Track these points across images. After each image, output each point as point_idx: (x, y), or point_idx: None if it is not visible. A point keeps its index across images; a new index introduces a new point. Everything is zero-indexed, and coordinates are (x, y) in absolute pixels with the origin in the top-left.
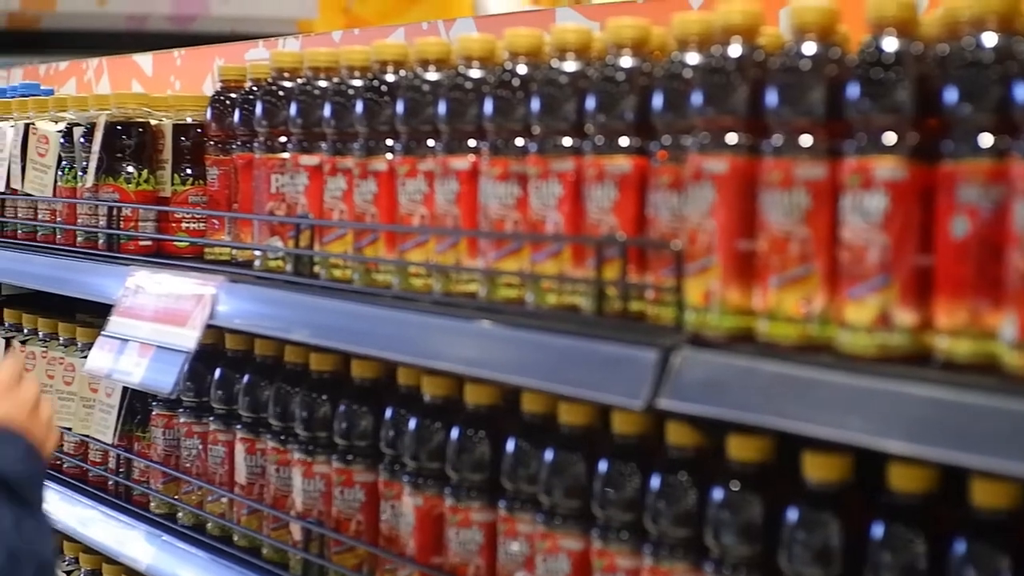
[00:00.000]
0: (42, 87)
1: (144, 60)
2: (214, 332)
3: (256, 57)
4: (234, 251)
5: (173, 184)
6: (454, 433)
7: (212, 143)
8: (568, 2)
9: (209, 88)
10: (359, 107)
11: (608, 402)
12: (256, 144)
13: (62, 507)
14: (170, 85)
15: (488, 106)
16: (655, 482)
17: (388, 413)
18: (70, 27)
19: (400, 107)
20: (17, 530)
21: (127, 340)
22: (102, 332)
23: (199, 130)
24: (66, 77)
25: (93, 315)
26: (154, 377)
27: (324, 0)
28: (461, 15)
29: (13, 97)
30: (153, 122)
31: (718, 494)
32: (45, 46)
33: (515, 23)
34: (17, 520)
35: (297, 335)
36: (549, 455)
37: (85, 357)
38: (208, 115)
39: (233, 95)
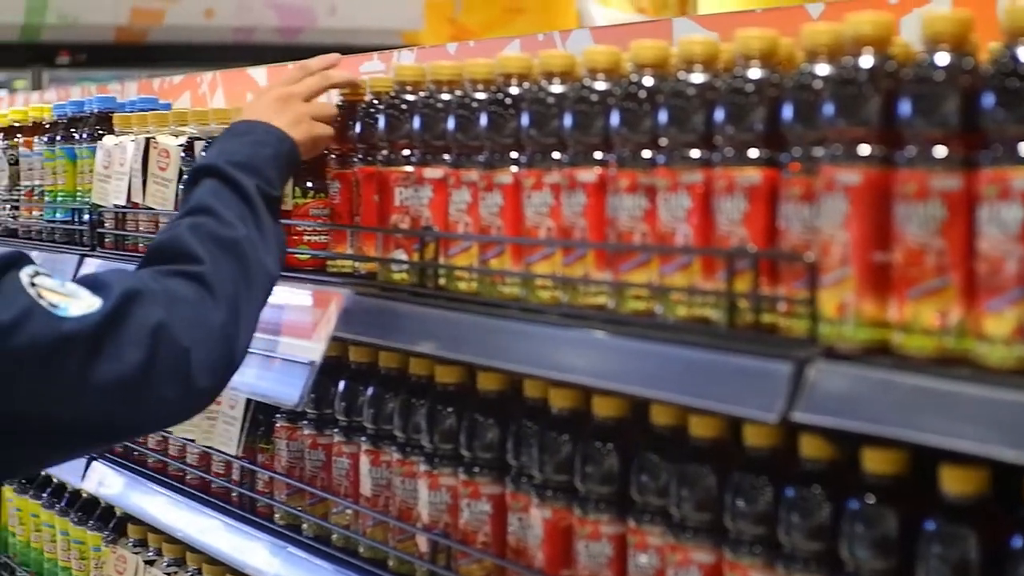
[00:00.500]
0: (161, 101)
1: (258, 73)
2: (337, 344)
3: (371, 69)
4: (357, 264)
5: (294, 197)
6: (582, 445)
7: (334, 156)
8: (675, 11)
9: (326, 100)
10: (484, 120)
11: (741, 415)
12: (379, 157)
13: (183, 517)
14: None
15: (615, 118)
16: (788, 495)
17: (515, 425)
18: (177, 40)
19: (526, 120)
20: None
21: (252, 353)
22: None
23: None
24: (180, 91)
25: None
26: (280, 389)
27: (430, 11)
28: (566, 25)
29: (132, 111)
30: None
31: (853, 507)
32: (152, 59)
33: (632, 34)
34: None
35: (423, 347)
36: (679, 467)
37: None
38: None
39: (355, 108)
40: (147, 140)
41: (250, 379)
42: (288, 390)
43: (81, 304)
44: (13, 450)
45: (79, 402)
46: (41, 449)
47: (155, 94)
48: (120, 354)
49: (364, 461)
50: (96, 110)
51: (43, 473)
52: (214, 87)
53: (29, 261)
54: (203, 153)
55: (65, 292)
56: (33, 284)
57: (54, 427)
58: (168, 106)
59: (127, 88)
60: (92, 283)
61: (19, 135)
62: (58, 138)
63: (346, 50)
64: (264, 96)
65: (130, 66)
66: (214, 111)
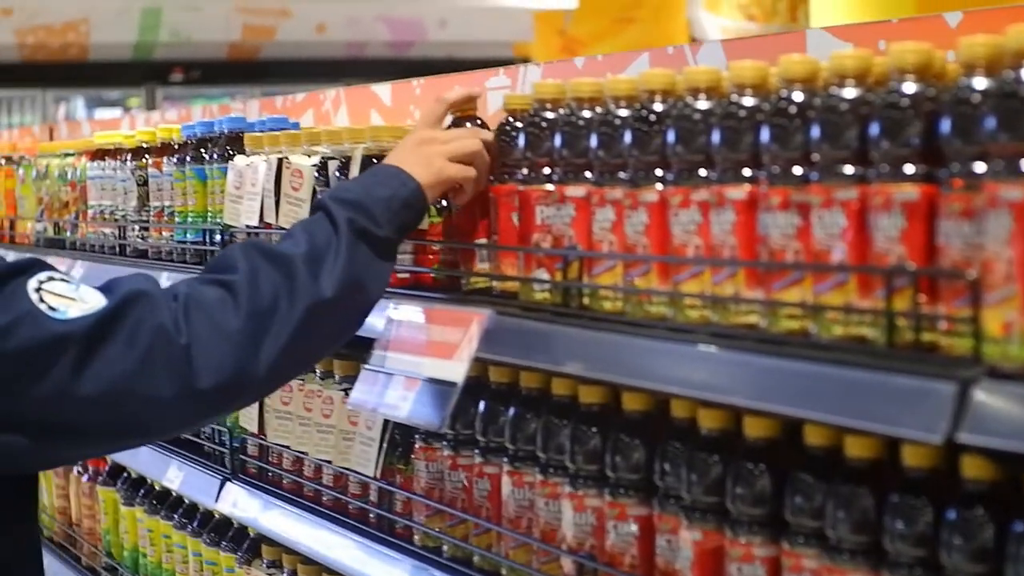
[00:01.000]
0: (290, 120)
1: (383, 90)
2: (477, 364)
3: (497, 85)
4: (494, 283)
5: (430, 216)
6: (734, 466)
7: None
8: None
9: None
10: (628, 137)
11: (902, 436)
12: (518, 175)
13: (319, 538)
14: (410, 115)
15: (766, 134)
16: (950, 517)
17: (662, 446)
18: (290, 56)
19: (672, 136)
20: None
21: (392, 374)
22: (365, 366)
23: None
24: (303, 108)
25: (346, 347)
26: (421, 411)
27: (540, 22)
28: (676, 34)
29: (262, 131)
30: None
31: (1019, 530)
32: (265, 75)
33: (764, 47)
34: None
35: (569, 368)
36: (835, 488)
37: (343, 390)
38: None
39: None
40: (279, 160)
41: (391, 400)
42: (430, 412)
43: (83, 307)
44: (21, 450)
45: (74, 401)
46: (48, 449)
47: (278, 112)
48: (112, 353)
49: (506, 482)
50: (226, 130)
51: (174, 494)
52: (337, 104)
53: (43, 268)
54: (336, 173)
55: (72, 296)
56: (39, 289)
57: (54, 427)
58: (296, 125)
59: (248, 106)
60: (107, 286)
61: (147, 156)
62: (188, 159)
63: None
64: (406, 140)
65: (243, 82)
66: (347, 130)
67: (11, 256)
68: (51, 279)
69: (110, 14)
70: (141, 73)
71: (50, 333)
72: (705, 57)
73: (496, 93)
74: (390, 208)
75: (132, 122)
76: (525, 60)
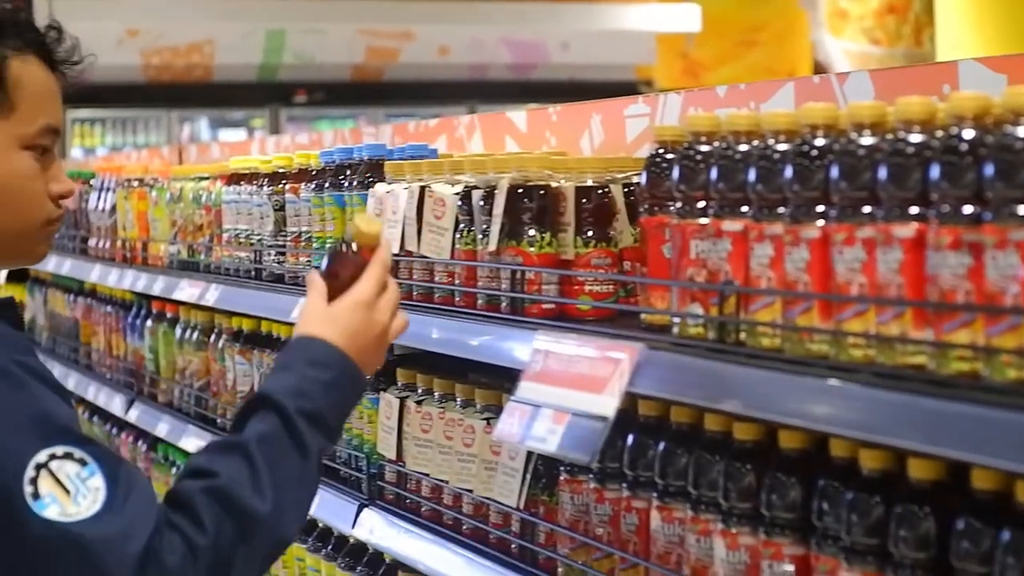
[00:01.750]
0: (428, 146)
1: (518, 116)
2: (624, 397)
3: (636, 112)
4: (645, 316)
5: (576, 247)
6: (897, 508)
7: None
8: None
9: (586, 145)
10: (789, 172)
11: None
12: (669, 208)
13: (458, 566)
14: (545, 141)
15: (936, 172)
16: None
17: (820, 485)
18: (412, 78)
19: (836, 172)
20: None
21: (539, 406)
22: (512, 398)
23: (600, 192)
24: (436, 133)
25: (484, 375)
26: (571, 445)
27: (662, 46)
28: (799, 58)
29: (402, 158)
30: (554, 184)
31: None
32: (388, 97)
33: (912, 78)
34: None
35: (726, 405)
36: (1005, 533)
37: (485, 419)
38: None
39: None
40: (421, 188)
41: (538, 433)
42: (579, 446)
43: (64, 509)
44: None
45: None
46: None
47: (410, 136)
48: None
49: (655, 517)
50: (366, 157)
51: (310, 517)
52: (471, 129)
53: (62, 442)
54: (480, 203)
55: (68, 486)
56: (43, 465)
57: None
58: (434, 152)
59: (381, 131)
60: (113, 479)
61: (284, 181)
62: (326, 185)
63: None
64: (363, 327)
65: (366, 104)
66: (492, 160)
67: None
68: (68, 456)
69: (235, 36)
70: (265, 94)
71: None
72: (853, 87)
73: (634, 120)
74: (342, 416)
75: (262, 145)
76: (647, 82)
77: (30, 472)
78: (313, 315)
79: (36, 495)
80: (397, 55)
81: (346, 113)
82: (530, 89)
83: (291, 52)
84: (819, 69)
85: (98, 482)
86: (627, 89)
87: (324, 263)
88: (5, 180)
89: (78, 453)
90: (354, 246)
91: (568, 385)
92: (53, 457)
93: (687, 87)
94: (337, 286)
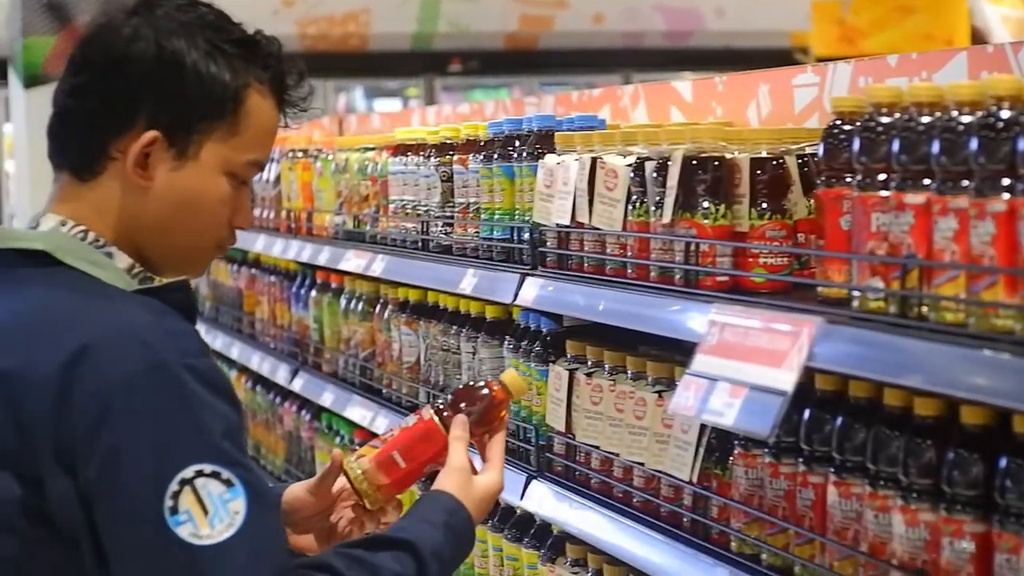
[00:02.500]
0: (597, 118)
1: (683, 86)
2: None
3: (804, 82)
4: (822, 289)
5: (750, 219)
6: None
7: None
8: None
9: (753, 116)
10: (974, 144)
11: None
12: (847, 180)
13: (628, 539)
14: (711, 111)
15: None
16: None
17: (1004, 462)
18: (567, 46)
19: (1023, 145)
20: None
21: (716, 380)
22: (687, 371)
23: (775, 163)
24: (600, 103)
25: (655, 347)
26: (748, 419)
27: (817, 11)
28: (956, 24)
29: (571, 129)
30: (728, 156)
31: None
32: (541, 65)
33: None
34: None
35: (908, 380)
36: None
37: (657, 392)
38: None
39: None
40: (593, 160)
41: (715, 407)
42: (759, 420)
43: (197, 531)
44: None
45: None
46: None
47: (573, 106)
48: None
49: (831, 492)
50: (535, 128)
51: None
52: (635, 100)
53: (212, 460)
54: (653, 174)
55: (208, 506)
56: (188, 481)
57: None
58: (603, 123)
59: (543, 101)
60: (256, 505)
61: (451, 152)
62: (495, 156)
63: (733, 53)
64: (477, 496)
65: (519, 73)
66: (666, 131)
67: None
68: (217, 474)
69: (391, 5)
70: (420, 63)
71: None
72: None
73: (803, 90)
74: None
75: (423, 115)
76: (803, 49)
77: (174, 486)
78: (462, 481)
79: (174, 510)
80: (552, 23)
81: (499, 82)
82: (685, 57)
83: (445, 20)
84: (976, 35)
85: (239, 506)
86: (782, 56)
87: (461, 397)
88: (199, 199)
89: (225, 474)
90: (492, 387)
91: (745, 358)
92: (200, 474)
93: (844, 54)
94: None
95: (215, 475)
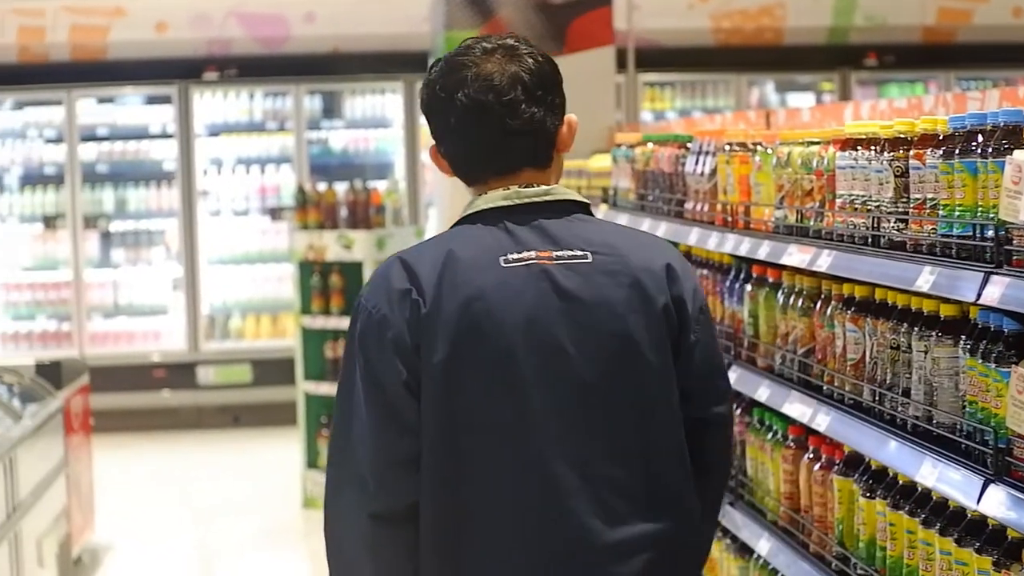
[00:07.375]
0: None
1: None
2: None
3: None
4: None
5: None
6: None
7: None
8: None
9: None
10: None
11: None
12: None
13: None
14: None
15: None
16: None
17: None
18: (984, 40)
19: None
20: None
21: None
22: None
23: None
24: None
25: None
26: None
27: None
28: None
29: None
30: None
31: None
32: (956, 60)
33: None
34: None
35: None
36: None
37: None
38: None
39: None
40: None
41: None
42: None
43: None
44: None
45: None
46: None
47: (1019, 102)
48: None
49: None
50: (1001, 123)
51: (920, 490)
52: None
53: None
54: None
55: None
56: None
57: None
58: None
59: (987, 96)
60: None
61: (906, 147)
62: (956, 151)
63: None
64: None
65: (934, 67)
66: None
67: None
68: None
69: None
70: (835, 57)
71: None
72: None
73: None
74: None
75: (856, 109)
76: None
77: None
78: None
79: None
80: (970, 16)
81: (914, 76)
82: None
83: (862, 14)
84: None
85: None
86: None
87: None
88: None
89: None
90: None
91: None
92: None
93: None
94: None
95: None
